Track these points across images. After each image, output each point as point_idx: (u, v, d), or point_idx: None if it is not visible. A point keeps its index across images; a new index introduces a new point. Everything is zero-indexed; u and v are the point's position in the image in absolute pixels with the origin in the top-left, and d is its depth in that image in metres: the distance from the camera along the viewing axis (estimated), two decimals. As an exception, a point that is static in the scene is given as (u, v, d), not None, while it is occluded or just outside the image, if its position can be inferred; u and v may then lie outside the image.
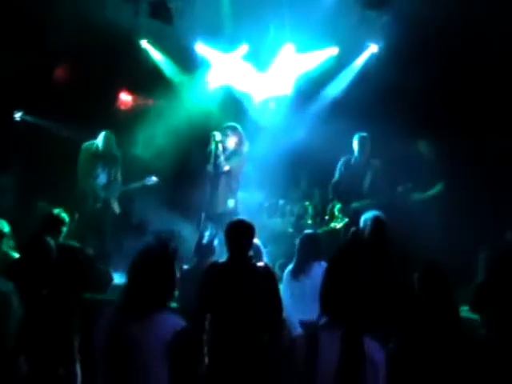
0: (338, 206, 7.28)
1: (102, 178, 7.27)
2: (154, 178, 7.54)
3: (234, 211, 7.02)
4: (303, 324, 4.61)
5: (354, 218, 6.51)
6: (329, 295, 2.89)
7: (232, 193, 7.19)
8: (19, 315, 2.63)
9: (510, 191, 7.12)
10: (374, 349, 2.75)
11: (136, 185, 7.50)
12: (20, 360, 2.68)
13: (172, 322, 2.96)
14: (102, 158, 7.25)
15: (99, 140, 7.27)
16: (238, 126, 7.34)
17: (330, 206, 7.42)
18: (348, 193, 7.21)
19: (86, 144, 7.32)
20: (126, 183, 7.53)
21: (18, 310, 2.63)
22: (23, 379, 2.65)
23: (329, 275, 2.94)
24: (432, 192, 7.35)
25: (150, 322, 2.94)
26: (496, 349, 3.33)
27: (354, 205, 7.05)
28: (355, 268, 2.91)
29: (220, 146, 6.99)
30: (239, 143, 7.22)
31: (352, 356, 2.68)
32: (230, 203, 7.15)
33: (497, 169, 7.47)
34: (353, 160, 7.29)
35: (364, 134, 7.22)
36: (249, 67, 9.09)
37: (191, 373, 3.04)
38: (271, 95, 9.13)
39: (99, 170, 7.25)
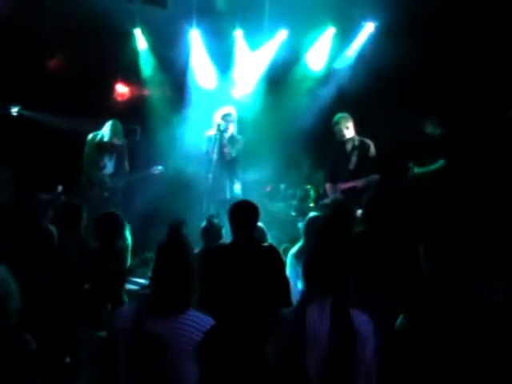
0: (327, 184, 7.34)
1: (109, 168, 7.26)
2: (160, 167, 7.54)
3: (240, 197, 7.11)
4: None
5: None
6: (314, 267, 2.87)
7: (237, 178, 7.33)
8: (17, 304, 2.62)
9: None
10: (360, 321, 2.76)
11: (142, 174, 7.49)
12: (27, 337, 2.66)
13: (199, 321, 2.91)
14: (108, 148, 7.21)
15: (105, 130, 7.25)
16: (234, 112, 7.45)
17: (321, 188, 7.69)
18: (335, 172, 7.23)
19: (92, 135, 7.29)
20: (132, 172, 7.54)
21: (15, 293, 2.62)
22: (33, 356, 2.63)
23: (314, 247, 2.94)
24: (433, 167, 7.38)
25: (177, 321, 2.88)
26: (504, 313, 3.30)
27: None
28: (340, 239, 2.93)
29: (225, 135, 7.15)
30: (236, 129, 7.47)
31: (340, 327, 2.69)
32: (237, 189, 7.30)
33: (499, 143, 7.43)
34: (338, 141, 7.22)
35: (342, 114, 7.15)
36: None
37: (220, 369, 2.96)
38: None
39: (106, 160, 7.24)
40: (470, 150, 7.43)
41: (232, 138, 7.47)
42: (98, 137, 7.27)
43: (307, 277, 2.93)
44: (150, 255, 6.51)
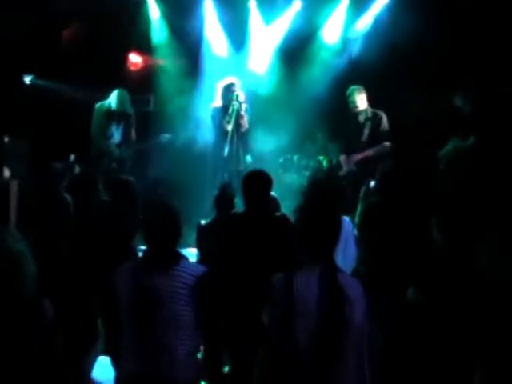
0: (342, 156, 7.40)
1: (117, 137, 7.25)
2: (168, 136, 7.54)
3: (252, 166, 7.12)
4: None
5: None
6: (302, 234, 2.90)
7: (249, 149, 7.34)
8: (34, 273, 2.66)
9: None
10: (348, 284, 2.76)
11: (150, 143, 7.49)
12: (45, 303, 2.72)
13: (192, 268, 3.11)
14: (115, 116, 7.21)
15: (112, 98, 7.22)
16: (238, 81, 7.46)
17: (334, 159, 7.70)
18: (349, 144, 7.31)
19: (99, 104, 7.28)
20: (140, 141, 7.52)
21: (31, 268, 2.66)
22: (51, 322, 2.70)
23: (302, 214, 2.95)
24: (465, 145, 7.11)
25: (171, 273, 3.06)
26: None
27: None
28: (327, 206, 2.93)
29: (243, 106, 7.12)
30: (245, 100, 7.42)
31: (328, 292, 2.70)
32: (248, 159, 7.33)
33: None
34: (351, 113, 7.27)
35: (355, 86, 7.18)
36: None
37: (215, 312, 3.20)
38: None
39: (113, 129, 7.23)
40: (502, 125, 7.23)
41: (247, 109, 7.46)
42: (105, 106, 7.26)
43: (295, 244, 2.95)
44: None
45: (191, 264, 3.24)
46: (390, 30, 7.92)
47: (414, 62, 7.74)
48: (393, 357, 3.74)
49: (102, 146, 7.17)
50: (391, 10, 8.21)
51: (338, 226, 2.93)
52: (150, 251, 3.18)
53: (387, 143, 6.96)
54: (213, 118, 7.44)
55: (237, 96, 7.19)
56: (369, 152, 7.04)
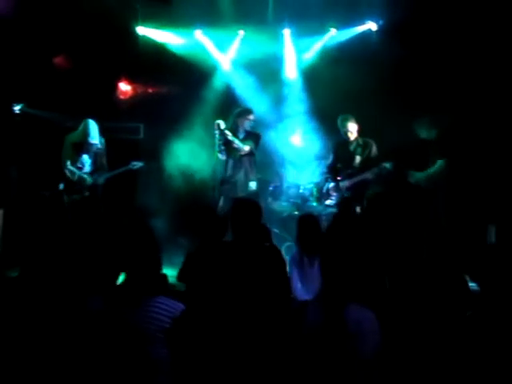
0: (331, 184, 7.50)
1: (88, 167, 7.31)
2: (138, 163, 7.56)
3: (256, 193, 7.17)
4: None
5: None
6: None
7: (253, 174, 7.34)
8: None
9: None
10: (362, 317, 2.73)
11: (121, 170, 7.51)
12: None
13: (169, 308, 2.96)
14: (84, 147, 7.26)
15: (81, 129, 7.27)
16: (252, 109, 7.62)
17: (324, 186, 7.67)
18: (341, 172, 7.44)
19: (68, 135, 7.35)
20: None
21: None
22: None
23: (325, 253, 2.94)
24: (432, 170, 7.15)
25: (146, 307, 2.92)
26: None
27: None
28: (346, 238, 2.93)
29: (228, 132, 7.13)
30: (254, 125, 7.53)
31: (333, 324, 2.67)
32: (252, 185, 7.30)
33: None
34: (342, 141, 7.45)
35: (345, 115, 7.34)
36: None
37: (190, 355, 3.01)
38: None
39: (84, 159, 7.28)
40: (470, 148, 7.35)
41: (246, 133, 7.51)
42: (74, 137, 7.32)
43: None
44: None
45: (168, 301, 3.03)
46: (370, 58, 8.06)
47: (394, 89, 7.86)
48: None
49: (72, 176, 7.19)
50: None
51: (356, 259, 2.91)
52: (127, 281, 3.05)
53: (377, 168, 7.11)
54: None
55: (218, 124, 7.18)
56: (358, 178, 7.17)
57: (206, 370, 3.24)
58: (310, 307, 2.79)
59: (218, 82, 9.09)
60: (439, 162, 7.14)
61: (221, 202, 7.18)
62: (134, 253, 3.04)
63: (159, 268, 3.11)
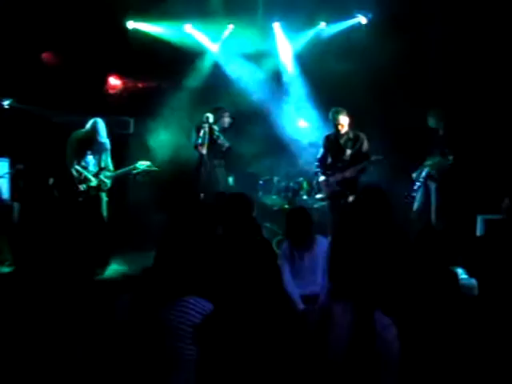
0: (321, 178, 7.46)
1: (92, 166, 7.22)
2: (144, 162, 7.50)
3: (234, 188, 7.20)
4: (306, 299, 4.63)
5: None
6: (337, 266, 2.86)
7: (230, 170, 7.41)
8: None
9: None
10: (384, 324, 2.73)
11: (126, 170, 7.44)
12: None
13: (199, 305, 2.99)
14: (91, 145, 7.18)
15: (88, 128, 7.20)
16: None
17: (314, 180, 7.69)
18: (331, 166, 7.41)
19: (75, 133, 7.25)
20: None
21: None
22: None
23: (335, 245, 2.91)
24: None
25: (178, 307, 2.95)
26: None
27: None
28: (360, 237, 2.88)
29: (215, 127, 7.18)
30: (231, 122, 7.59)
31: (363, 329, 2.66)
32: (231, 181, 7.38)
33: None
34: (333, 134, 7.42)
35: (337, 108, 7.30)
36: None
37: (219, 352, 3.05)
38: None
39: (89, 158, 7.20)
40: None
41: (225, 130, 7.54)
42: (81, 135, 7.24)
43: (331, 275, 2.89)
44: None
45: (197, 299, 3.05)
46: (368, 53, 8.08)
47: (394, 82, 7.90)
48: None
49: (78, 175, 7.12)
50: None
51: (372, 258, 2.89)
52: (157, 280, 3.05)
53: (362, 164, 7.14)
54: (193, 138, 7.46)
55: (207, 117, 7.17)
56: (349, 172, 7.16)
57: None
58: (337, 308, 2.75)
59: (208, 75, 9.12)
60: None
61: (206, 198, 7.13)
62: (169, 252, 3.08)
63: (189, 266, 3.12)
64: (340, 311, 2.70)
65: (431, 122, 7.31)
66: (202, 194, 7.13)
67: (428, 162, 7.20)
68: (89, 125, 7.18)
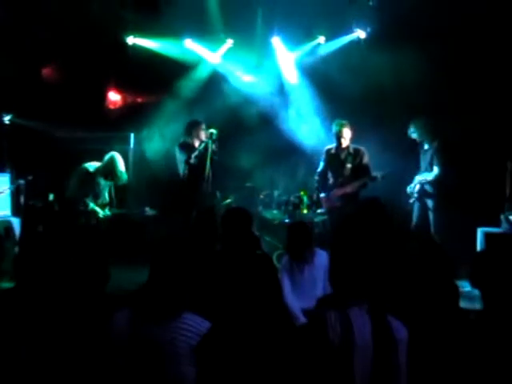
0: (322, 194, 7.49)
1: (102, 198, 7.28)
2: (151, 211, 7.55)
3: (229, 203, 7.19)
4: (307, 312, 4.61)
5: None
6: (338, 274, 2.85)
7: (223, 185, 7.39)
8: None
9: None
10: (396, 326, 2.74)
11: (134, 213, 7.58)
12: None
13: (196, 324, 2.90)
14: (104, 178, 7.24)
15: (107, 162, 7.22)
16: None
17: (315, 193, 7.68)
18: (331, 182, 7.41)
19: (88, 166, 7.22)
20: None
21: None
22: None
23: (336, 252, 2.90)
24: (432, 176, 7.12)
25: (173, 325, 2.87)
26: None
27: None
28: (358, 245, 2.88)
29: (216, 143, 7.16)
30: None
31: (381, 333, 2.67)
32: (218, 194, 7.38)
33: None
34: (333, 148, 7.40)
35: (340, 121, 7.28)
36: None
37: (219, 372, 2.96)
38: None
39: (99, 189, 7.25)
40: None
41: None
42: (95, 168, 7.24)
43: (339, 282, 2.89)
44: None
45: (194, 318, 2.93)
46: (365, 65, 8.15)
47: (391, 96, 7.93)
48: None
49: (83, 207, 7.14)
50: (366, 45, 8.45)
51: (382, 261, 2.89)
52: (152, 298, 2.96)
53: (364, 179, 7.15)
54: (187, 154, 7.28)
55: (211, 134, 7.04)
56: (350, 187, 7.17)
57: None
58: (353, 314, 2.74)
59: (206, 87, 9.16)
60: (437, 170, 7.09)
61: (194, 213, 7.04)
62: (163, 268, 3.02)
63: (185, 283, 3.04)
64: (357, 315, 2.70)
65: (414, 133, 7.24)
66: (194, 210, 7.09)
67: (418, 177, 7.22)
68: (106, 158, 7.22)
